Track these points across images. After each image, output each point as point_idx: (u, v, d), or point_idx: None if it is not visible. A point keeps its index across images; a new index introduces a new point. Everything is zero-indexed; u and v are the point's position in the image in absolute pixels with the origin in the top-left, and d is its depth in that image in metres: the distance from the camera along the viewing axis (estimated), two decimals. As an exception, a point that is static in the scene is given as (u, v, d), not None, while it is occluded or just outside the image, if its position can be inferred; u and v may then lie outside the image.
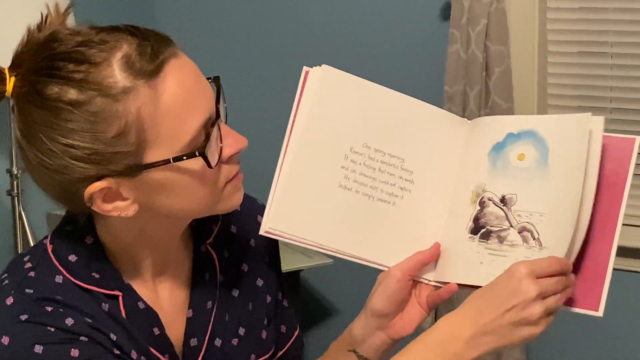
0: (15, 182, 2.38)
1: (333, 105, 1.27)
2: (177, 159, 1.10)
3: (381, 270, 1.29)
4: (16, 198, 2.37)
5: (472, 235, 1.24)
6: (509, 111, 2.46)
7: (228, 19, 2.92)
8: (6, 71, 1.12)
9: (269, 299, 1.33)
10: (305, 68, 1.28)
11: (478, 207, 1.24)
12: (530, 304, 1.13)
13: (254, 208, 1.36)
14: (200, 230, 1.28)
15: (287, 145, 1.26)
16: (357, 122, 1.28)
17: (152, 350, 1.19)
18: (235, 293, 1.30)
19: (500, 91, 2.45)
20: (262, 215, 1.34)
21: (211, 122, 1.12)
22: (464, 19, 2.44)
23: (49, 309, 1.13)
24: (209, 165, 1.11)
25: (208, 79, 1.15)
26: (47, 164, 1.09)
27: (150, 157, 1.09)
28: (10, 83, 1.11)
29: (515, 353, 2.57)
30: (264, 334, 1.32)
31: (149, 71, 1.07)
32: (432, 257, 1.27)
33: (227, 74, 3.01)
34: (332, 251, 1.27)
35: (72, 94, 1.07)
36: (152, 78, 1.08)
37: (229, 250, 1.31)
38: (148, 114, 1.07)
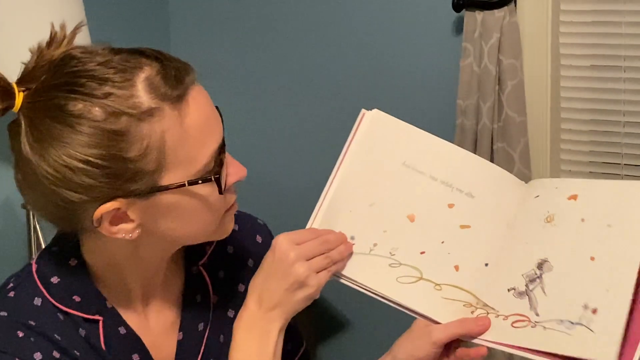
0: (30, 196, 2.39)
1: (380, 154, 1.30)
2: (192, 182, 1.10)
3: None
4: (31, 211, 2.38)
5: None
6: (522, 125, 2.46)
7: (243, 43, 2.93)
8: (15, 86, 1.11)
9: None
10: (363, 110, 1.30)
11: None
12: (293, 267, 1.18)
13: (253, 227, 1.37)
14: (193, 251, 1.28)
15: (331, 181, 1.27)
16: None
17: None
18: (231, 314, 1.30)
19: (513, 104, 2.45)
20: (261, 235, 1.35)
21: (220, 149, 1.13)
22: (476, 33, 2.44)
23: (20, 334, 1.13)
24: (220, 191, 1.12)
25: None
26: (59, 181, 1.08)
27: (167, 179, 1.10)
28: (19, 98, 1.10)
29: None
30: None
31: (175, 95, 1.09)
32: (481, 332, 1.22)
33: (242, 95, 3.02)
34: (373, 294, 1.27)
35: (97, 111, 1.06)
36: (178, 102, 1.09)
37: (225, 270, 1.31)
38: (171, 137, 1.08)
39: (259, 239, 1.36)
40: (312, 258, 1.20)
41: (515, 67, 2.43)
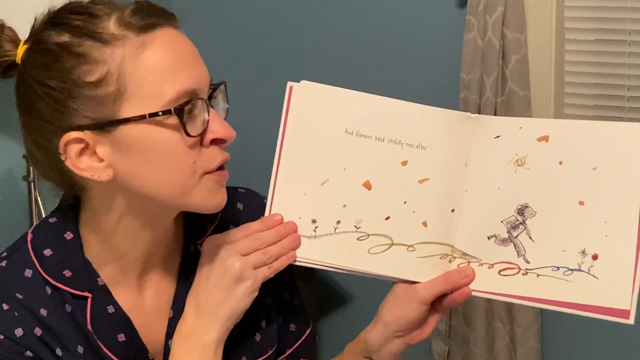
0: (31, 168, 2.38)
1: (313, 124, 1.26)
2: (153, 115, 1.10)
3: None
4: (32, 183, 2.37)
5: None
6: (526, 99, 2.45)
7: (245, 10, 2.91)
8: (20, 40, 1.17)
9: (268, 300, 1.31)
10: (289, 83, 1.26)
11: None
12: (227, 262, 1.18)
13: (258, 208, 1.32)
14: (193, 229, 1.27)
15: (276, 168, 1.25)
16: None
17: (113, 357, 1.19)
18: None
19: (517, 79, 2.44)
20: None
21: (192, 94, 1.12)
22: (480, 6, 2.43)
23: (5, 307, 1.13)
24: (185, 130, 1.11)
25: (217, 83, 1.17)
26: (33, 110, 1.13)
27: (128, 111, 1.11)
28: (21, 49, 1.16)
29: (530, 341, 2.57)
30: (257, 337, 1.30)
31: (140, 25, 1.11)
32: (467, 283, 1.23)
33: (246, 61, 3.01)
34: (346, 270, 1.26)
35: (65, 37, 1.11)
36: (142, 33, 1.11)
37: None
38: (131, 65, 1.10)
39: None
40: (249, 254, 1.20)
41: (519, 41, 2.42)
